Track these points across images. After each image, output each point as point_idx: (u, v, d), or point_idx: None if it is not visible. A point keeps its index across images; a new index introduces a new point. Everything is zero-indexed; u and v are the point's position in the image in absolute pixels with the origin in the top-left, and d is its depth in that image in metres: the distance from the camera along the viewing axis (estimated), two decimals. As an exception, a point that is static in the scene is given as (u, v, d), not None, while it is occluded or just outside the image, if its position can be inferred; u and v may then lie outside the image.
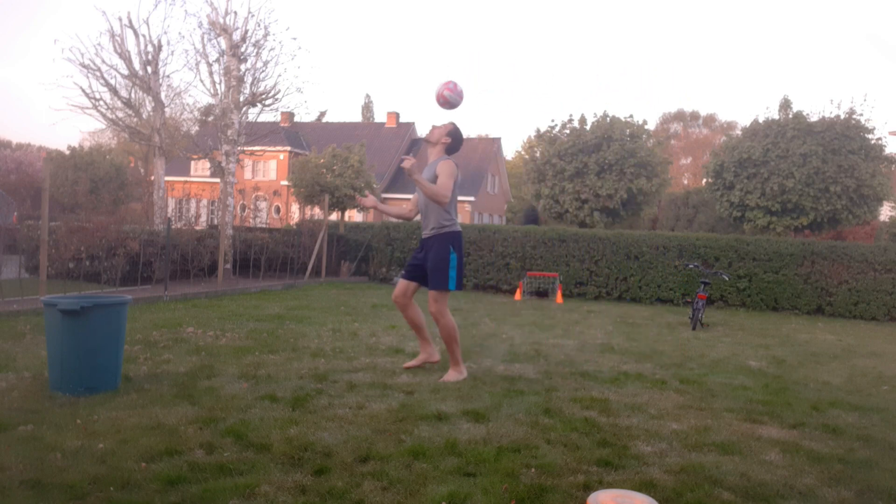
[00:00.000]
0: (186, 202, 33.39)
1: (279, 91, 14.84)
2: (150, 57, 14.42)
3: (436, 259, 5.32)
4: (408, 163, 5.05)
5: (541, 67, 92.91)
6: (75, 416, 3.93)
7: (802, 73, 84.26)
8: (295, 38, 56.52)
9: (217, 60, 14.49)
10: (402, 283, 5.61)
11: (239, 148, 14.66)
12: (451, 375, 5.38)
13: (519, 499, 3.02)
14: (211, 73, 14.53)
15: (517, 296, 13.60)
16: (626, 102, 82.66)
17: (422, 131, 45.24)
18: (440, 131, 5.50)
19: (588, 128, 19.13)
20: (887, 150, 16.19)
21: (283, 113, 42.26)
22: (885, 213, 23.27)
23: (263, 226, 28.64)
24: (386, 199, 39.09)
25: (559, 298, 13.43)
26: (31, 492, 2.86)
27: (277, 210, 39.37)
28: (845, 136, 15.75)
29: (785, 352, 7.99)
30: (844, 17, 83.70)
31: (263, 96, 14.75)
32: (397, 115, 44.12)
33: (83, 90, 14.13)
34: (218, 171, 14.95)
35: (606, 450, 3.79)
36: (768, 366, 6.92)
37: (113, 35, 14.15)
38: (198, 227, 15.05)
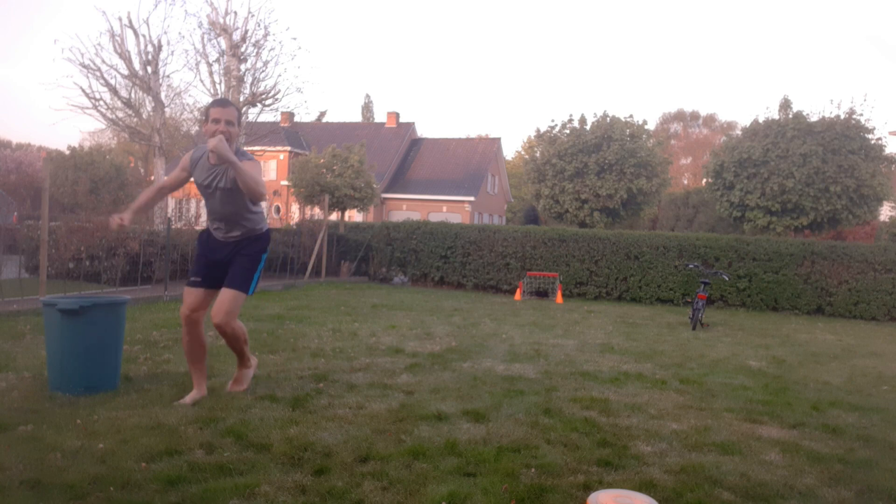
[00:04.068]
0: (186, 202, 33.32)
1: (279, 91, 14.90)
2: (150, 57, 14.43)
3: (249, 258, 4.36)
4: (214, 142, 3.94)
5: (541, 67, 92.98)
6: (75, 416, 3.92)
7: (802, 73, 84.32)
8: (295, 38, 56.64)
9: (217, 60, 14.52)
10: (199, 293, 4.34)
11: (239, 148, 14.66)
12: (187, 397, 4.30)
13: (519, 499, 3.02)
14: (211, 73, 14.55)
15: (517, 296, 13.60)
16: (626, 102, 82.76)
17: (421, 131, 45.27)
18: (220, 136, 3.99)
19: (588, 128, 19.13)
20: (887, 150, 16.18)
21: (283, 113, 42.22)
22: (885, 213, 23.26)
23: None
24: (385, 199, 39.09)
25: (559, 298, 13.43)
26: (31, 492, 2.86)
27: (277, 210, 39.37)
28: (845, 136, 15.74)
29: (785, 352, 7.99)
30: (844, 17, 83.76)
31: (263, 96, 14.77)
32: (397, 115, 44.10)
33: (83, 90, 14.16)
34: (218, 171, 14.95)
35: (606, 450, 3.79)
36: (768, 366, 6.92)
37: (113, 35, 14.17)
38: (198, 227, 15.04)
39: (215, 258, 4.37)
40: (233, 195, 4.18)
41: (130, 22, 14.30)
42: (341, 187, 18.62)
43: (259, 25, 14.52)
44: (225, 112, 4.05)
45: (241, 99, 14.43)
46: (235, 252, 4.35)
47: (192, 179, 4.35)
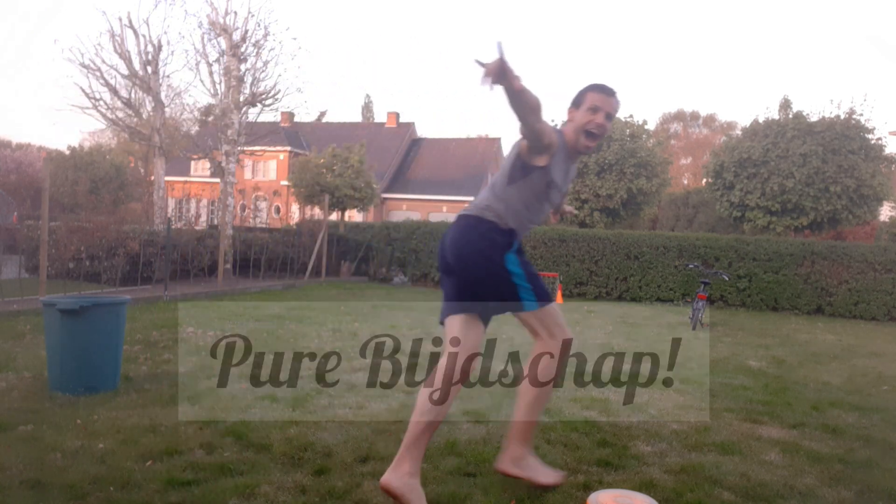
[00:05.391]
0: (186, 202, 33.36)
1: (279, 91, 14.87)
2: (150, 57, 14.44)
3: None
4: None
5: (540, 68, 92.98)
6: (75, 416, 3.92)
7: (802, 73, 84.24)
8: (295, 38, 56.50)
9: (217, 60, 14.50)
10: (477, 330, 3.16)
11: (239, 148, 14.66)
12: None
13: (519, 499, 3.02)
14: (211, 73, 14.53)
15: (517, 296, 13.58)
16: (626, 102, 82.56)
17: (421, 131, 45.23)
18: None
19: (588, 128, 19.09)
20: (887, 150, 16.18)
21: (283, 113, 42.24)
22: (885, 213, 23.25)
23: (263, 226, 28.62)
24: (385, 199, 39.08)
25: (559, 298, 13.42)
26: (31, 492, 2.86)
27: (277, 210, 39.38)
28: (845, 136, 15.74)
29: (785, 352, 7.99)
30: (844, 17, 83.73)
31: (263, 96, 14.75)
32: (397, 115, 44.12)
33: (83, 90, 14.16)
34: (218, 171, 14.96)
35: (606, 450, 3.79)
36: (768, 366, 6.92)
37: (113, 35, 14.18)
38: (198, 227, 15.05)
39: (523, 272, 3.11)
40: None
41: (130, 22, 14.31)
42: (341, 187, 18.61)
43: (259, 25, 14.50)
44: (609, 102, 3.09)
45: (241, 99, 14.42)
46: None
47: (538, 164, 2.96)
